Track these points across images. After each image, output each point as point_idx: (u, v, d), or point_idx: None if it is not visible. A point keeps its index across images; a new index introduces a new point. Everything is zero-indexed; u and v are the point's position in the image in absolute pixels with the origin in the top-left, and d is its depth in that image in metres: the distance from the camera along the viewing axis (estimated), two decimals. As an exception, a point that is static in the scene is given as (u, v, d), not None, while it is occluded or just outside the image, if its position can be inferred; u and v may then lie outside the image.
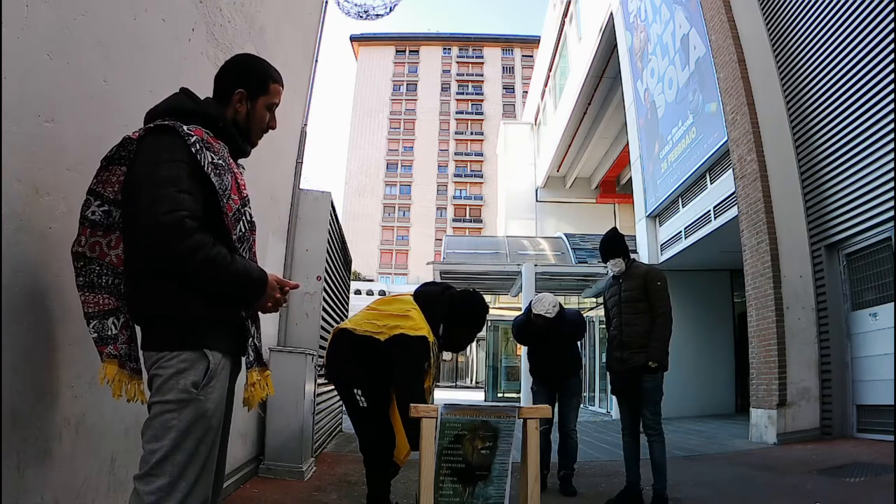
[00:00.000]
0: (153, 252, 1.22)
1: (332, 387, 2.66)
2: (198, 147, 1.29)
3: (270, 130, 1.57)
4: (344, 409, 2.85)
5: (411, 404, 2.09)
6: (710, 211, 7.68)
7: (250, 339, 1.44)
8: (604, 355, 8.18)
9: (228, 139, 1.43)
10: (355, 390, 2.50)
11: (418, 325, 2.43)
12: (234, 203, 1.35)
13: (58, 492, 1.51)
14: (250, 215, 1.43)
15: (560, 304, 3.59)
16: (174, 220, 1.19)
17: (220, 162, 1.33)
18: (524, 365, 10.61)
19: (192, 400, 1.24)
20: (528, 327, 3.75)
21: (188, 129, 1.30)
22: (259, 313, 1.46)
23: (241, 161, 1.52)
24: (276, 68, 1.55)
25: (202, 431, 1.25)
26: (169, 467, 1.20)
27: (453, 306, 2.66)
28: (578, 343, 4.10)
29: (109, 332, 1.34)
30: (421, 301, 2.60)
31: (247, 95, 1.48)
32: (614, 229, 3.48)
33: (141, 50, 1.95)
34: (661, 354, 3.09)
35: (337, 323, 5.73)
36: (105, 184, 1.35)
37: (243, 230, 1.38)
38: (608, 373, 3.45)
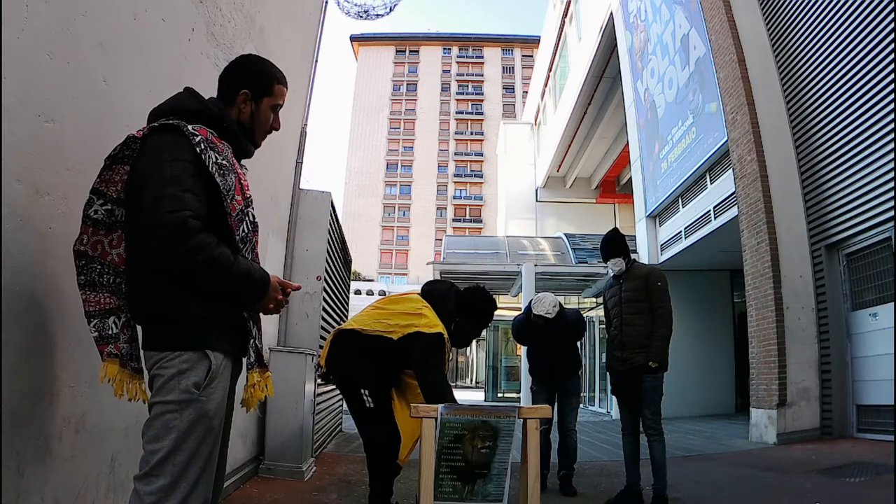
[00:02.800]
0: (156, 251, 1.21)
1: (332, 386, 2.64)
2: (202, 147, 1.28)
3: (274, 131, 1.58)
4: (346, 408, 2.85)
5: (412, 404, 2.10)
6: (710, 211, 7.68)
7: (252, 341, 1.43)
8: (604, 355, 8.18)
9: (232, 140, 1.43)
10: (363, 391, 2.49)
11: (432, 322, 2.44)
12: (237, 203, 1.34)
13: (58, 492, 1.51)
14: (253, 216, 1.42)
15: (560, 304, 3.59)
16: (178, 219, 1.19)
17: (224, 162, 1.33)
18: (524, 365, 10.59)
19: (193, 400, 1.23)
20: (527, 327, 3.74)
21: (192, 128, 1.30)
22: (260, 314, 1.46)
23: (241, 161, 1.52)
24: (280, 69, 1.55)
25: (203, 432, 1.25)
26: (169, 468, 1.20)
27: (463, 303, 2.69)
28: (578, 343, 4.10)
29: (110, 332, 1.33)
30: (430, 299, 2.61)
31: (251, 96, 1.47)
32: (615, 229, 3.49)
33: (141, 50, 1.95)
34: (661, 354, 3.09)
35: (338, 323, 5.74)
36: (108, 183, 1.34)
37: (246, 231, 1.38)
38: (608, 373, 3.45)
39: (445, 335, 2.45)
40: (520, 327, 3.90)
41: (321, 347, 4.43)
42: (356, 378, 2.53)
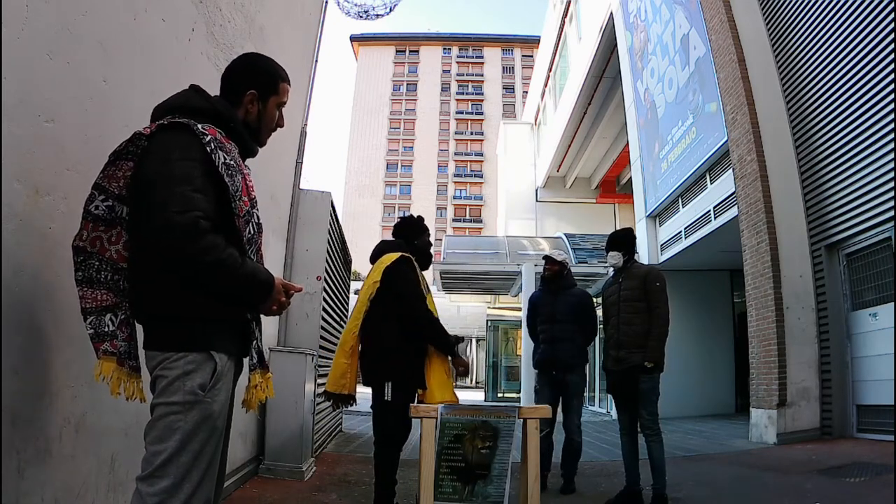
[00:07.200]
0: (164, 251, 1.20)
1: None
2: (212, 147, 1.27)
3: (278, 129, 1.57)
4: (345, 408, 3.01)
5: (411, 405, 2.12)
6: (710, 211, 7.68)
7: (254, 342, 1.43)
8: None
9: (238, 139, 1.42)
10: (386, 383, 2.63)
11: (391, 257, 2.75)
12: (244, 205, 1.33)
13: (58, 492, 1.51)
14: (258, 217, 1.42)
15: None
16: (188, 220, 1.17)
17: (232, 163, 1.32)
18: (524, 365, 10.59)
19: (198, 402, 1.22)
20: (539, 296, 3.98)
21: (202, 127, 1.28)
22: (261, 315, 1.45)
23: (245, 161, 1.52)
24: (282, 66, 1.55)
25: (207, 433, 1.24)
26: (173, 469, 1.19)
27: (401, 232, 2.99)
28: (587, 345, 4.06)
29: (106, 329, 1.31)
30: (385, 251, 2.89)
31: (258, 96, 1.47)
32: (629, 228, 3.64)
33: (141, 50, 1.95)
34: (658, 354, 3.10)
35: (337, 322, 5.74)
36: (111, 178, 1.32)
37: (252, 232, 1.37)
38: (605, 372, 3.45)
39: (409, 256, 2.78)
40: (535, 295, 4.11)
41: (321, 348, 4.44)
42: (382, 374, 2.68)
